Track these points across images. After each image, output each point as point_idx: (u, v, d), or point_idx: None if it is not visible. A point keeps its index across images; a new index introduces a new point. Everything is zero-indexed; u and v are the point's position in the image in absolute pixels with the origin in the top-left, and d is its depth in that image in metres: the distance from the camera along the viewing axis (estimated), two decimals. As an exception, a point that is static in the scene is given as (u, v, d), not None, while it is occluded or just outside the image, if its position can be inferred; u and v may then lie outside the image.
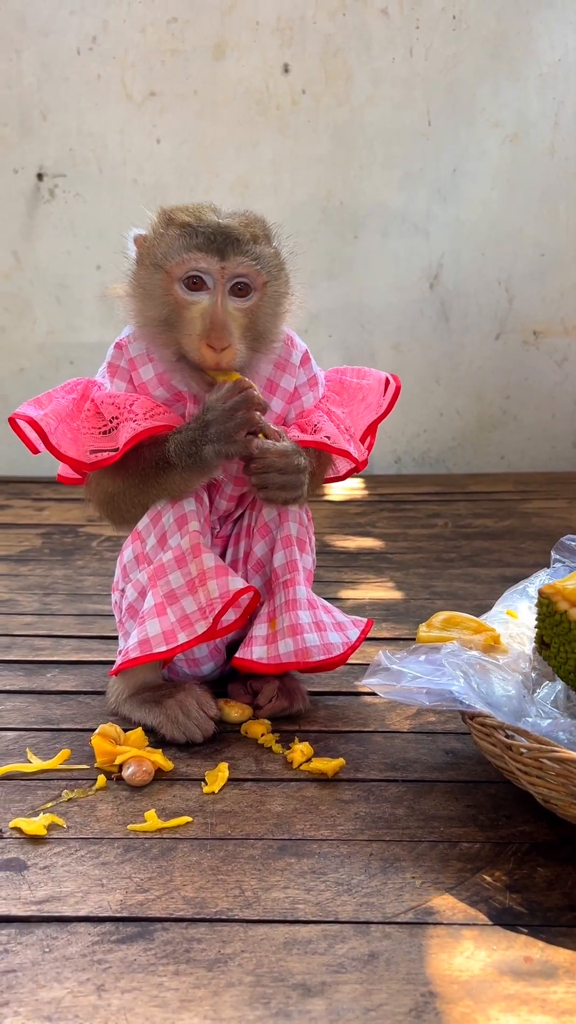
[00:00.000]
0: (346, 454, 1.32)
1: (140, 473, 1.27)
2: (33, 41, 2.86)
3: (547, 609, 1.14)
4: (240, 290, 1.26)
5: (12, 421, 1.26)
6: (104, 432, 1.26)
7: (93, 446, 1.26)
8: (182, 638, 1.23)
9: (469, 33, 2.87)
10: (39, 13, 2.85)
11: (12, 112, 2.90)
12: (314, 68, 2.88)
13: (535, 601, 1.33)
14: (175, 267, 1.24)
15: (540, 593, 1.14)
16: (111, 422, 1.26)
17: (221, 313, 1.24)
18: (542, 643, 1.16)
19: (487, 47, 2.88)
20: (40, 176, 2.93)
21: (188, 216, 1.26)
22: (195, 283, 1.25)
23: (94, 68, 2.87)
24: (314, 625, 1.30)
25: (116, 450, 1.24)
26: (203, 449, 1.23)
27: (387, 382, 1.37)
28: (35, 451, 1.27)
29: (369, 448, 1.37)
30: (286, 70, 2.89)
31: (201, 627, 1.23)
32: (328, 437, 1.32)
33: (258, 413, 1.24)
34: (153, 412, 1.27)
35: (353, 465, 1.39)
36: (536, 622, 1.17)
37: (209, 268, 1.24)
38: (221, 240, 1.24)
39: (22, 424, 1.26)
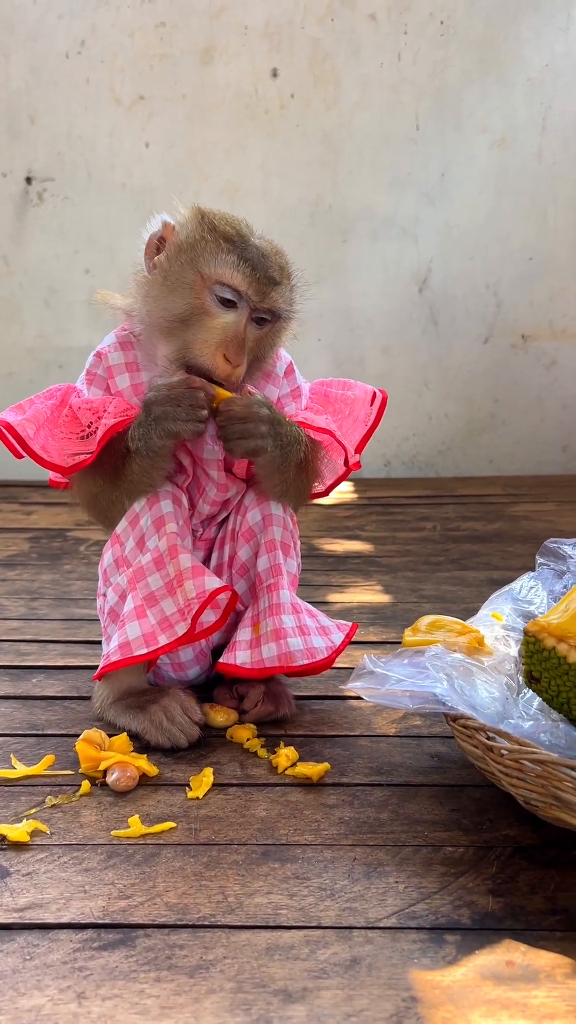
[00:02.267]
0: (346, 449, 1.32)
1: (112, 468, 1.28)
2: (21, 45, 2.86)
3: (534, 647, 1.11)
4: (261, 320, 1.28)
5: None
6: (82, 437, 1.27)
7: (72, 450, 1.26)
8: (162, 640, 1.23)
9: (457, 38, 2.88)
10: (27, 17, 2.85)
11: (0, 116, 2.90)
12: (303, 73, 2.89)
13: (519, 604, 1.33)
14: (214, 279, 1.25)
15: (525, 632, 1.12)
16: (88, 427, 1.27)
17: (243, 334, 1.26)
18: (531, 678, 1.13)
19: (475, 52, 2.89)
20: (29, 180, 2.93)
21: (231, 229, 1.27)
22: (226, 300, 1.26)
23: (83, 72, 2.87)
24: (298, 629, 1.30)
25: (92, 452, 1.25)
26: (150, 431, 1.24)
27: (374, 395, 1.36)
28: (18, 456, 1.28)
29: (356, 466, 1.37)
30: (275, 75, 2.89)
31: (181, 628, 1.23)
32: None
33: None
34: (127, 410, 1.28)
35: (340, 474, 1.39)
36: (523, 659, 1.14)
37: (247, 294, 1.25)
38: (263, 274, 1.25)
39: (2, 429, 1.26)
